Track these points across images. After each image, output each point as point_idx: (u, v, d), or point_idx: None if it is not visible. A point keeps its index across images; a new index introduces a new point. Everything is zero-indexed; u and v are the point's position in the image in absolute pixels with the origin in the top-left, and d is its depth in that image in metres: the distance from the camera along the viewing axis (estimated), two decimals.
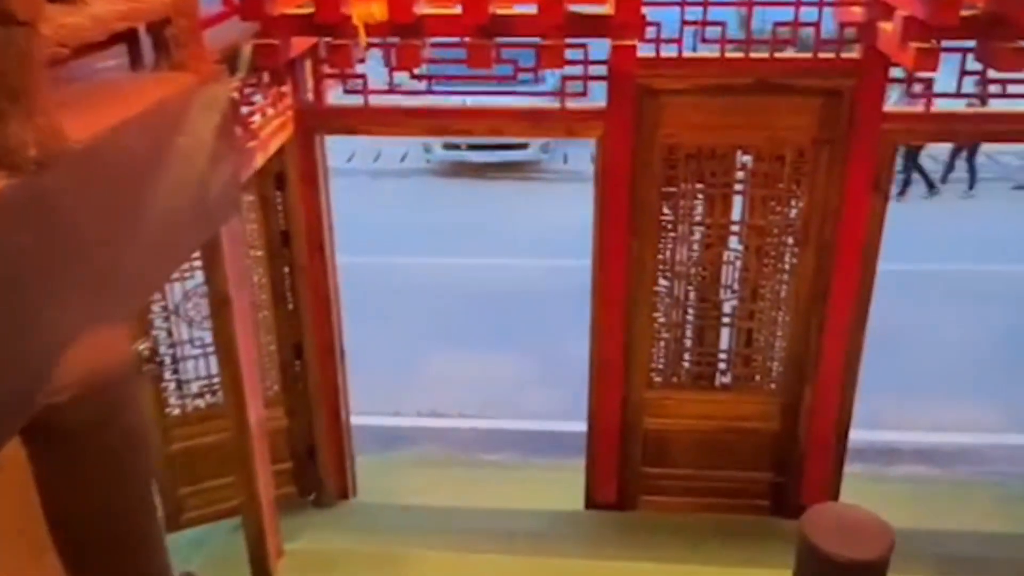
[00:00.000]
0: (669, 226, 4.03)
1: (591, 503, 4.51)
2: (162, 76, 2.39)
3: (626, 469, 4.42)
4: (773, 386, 4.26)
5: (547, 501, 4.66)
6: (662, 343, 4.25)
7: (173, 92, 2.32)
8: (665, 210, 3.99)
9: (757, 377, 4.26)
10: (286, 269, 3.95)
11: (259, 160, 3.20)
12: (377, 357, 6.87)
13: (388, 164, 11.78)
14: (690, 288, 4.15)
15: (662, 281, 4.14)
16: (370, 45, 3.32)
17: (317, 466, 4.42)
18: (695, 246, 4.06)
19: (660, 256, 4.08)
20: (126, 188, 2.02)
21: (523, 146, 11.28)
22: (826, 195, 3.84)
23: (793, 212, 3.94)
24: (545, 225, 9.33)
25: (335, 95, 3.84)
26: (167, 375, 3.91)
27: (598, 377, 4.27)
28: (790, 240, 3.99)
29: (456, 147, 11.30)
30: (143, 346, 3.75)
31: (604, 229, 3.99)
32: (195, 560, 4.16)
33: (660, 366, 4.28)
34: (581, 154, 11.45)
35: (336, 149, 11.80)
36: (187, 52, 2.45)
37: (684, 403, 4.31)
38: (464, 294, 8.04)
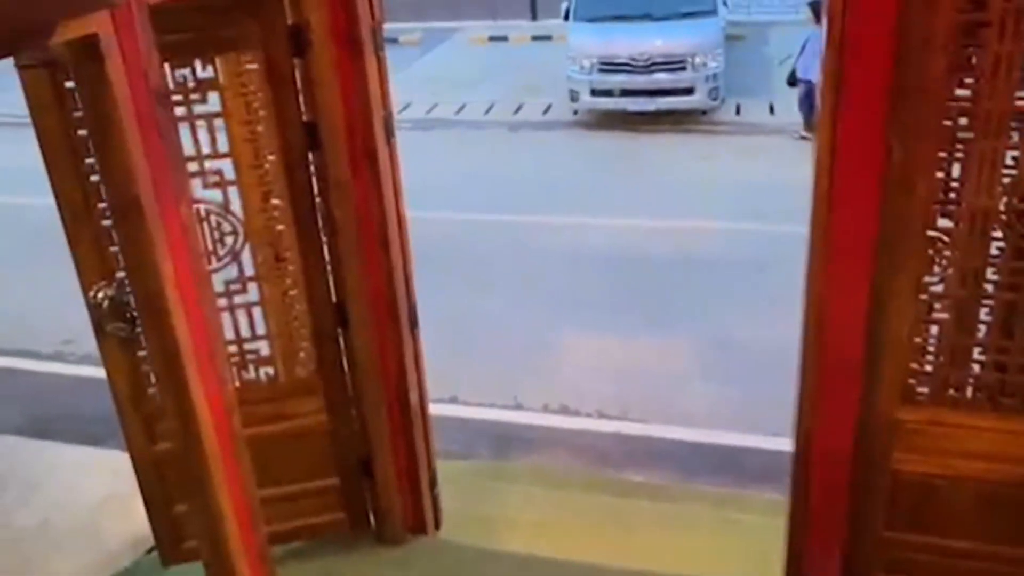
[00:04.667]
0: (963, 120, 2.25)
1: None
2: None
3: (859, 532, 2.70)
4: None
5: (722, 564, 3.03)
6: (934, 329, 2.48)
7: None
8: (958, 91, 2.22)
9: None
10: (315, 186, 2.53)
11: None
12: (504, 332, 5.61)
13: (530, 116, 10.35)
14: (996, 234, 2.35)
15: (942, 221, 2.37)
16: None
17: (376, 484, 3.02)
18: (1011, 158, 2.26)
19: (941, 175, 2.31)
20: None
21: (688, 91, 9.42)
22: None
23: None
24: (714, 184, 7.70)
25: None
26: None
27: (816, 380, 2.57)
28: None
29: (608, 93, 9.64)
30: (101, 295, 2.47)
31: (838, 125, 2.28)
32: None
33: (928, 368, 2.52)
34: (757, 104, 9.53)
35: (472, 102, 10.74)
36: None
37: (970, 432, 2.50)
38: (615, 261, 6.59)
